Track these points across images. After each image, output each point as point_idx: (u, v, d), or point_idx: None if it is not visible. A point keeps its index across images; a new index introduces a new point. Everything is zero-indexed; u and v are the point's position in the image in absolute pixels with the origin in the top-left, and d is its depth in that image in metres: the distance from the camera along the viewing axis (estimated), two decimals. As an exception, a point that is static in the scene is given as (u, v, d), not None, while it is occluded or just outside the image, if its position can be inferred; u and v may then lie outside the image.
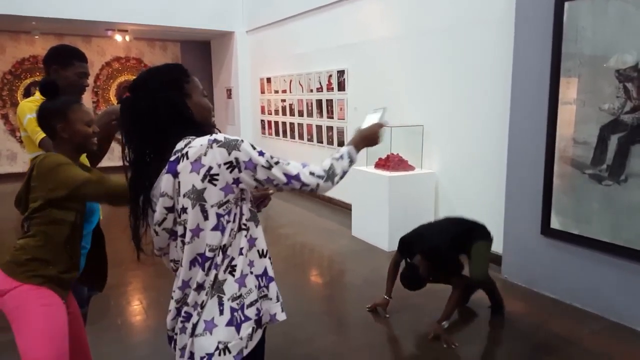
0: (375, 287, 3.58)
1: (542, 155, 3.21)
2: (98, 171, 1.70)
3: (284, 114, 7.22)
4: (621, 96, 2.76)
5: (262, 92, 7.93)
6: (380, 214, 4.32)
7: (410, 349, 2.68)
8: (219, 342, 1.13)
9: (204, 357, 1.14)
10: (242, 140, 1.16)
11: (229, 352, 1.13)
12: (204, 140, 1.13)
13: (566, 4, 2.98)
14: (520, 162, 3.41)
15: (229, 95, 8.81)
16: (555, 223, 3.18)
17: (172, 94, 1.20)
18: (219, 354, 1.13)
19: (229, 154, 1.12)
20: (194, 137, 1.16)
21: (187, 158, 1.12)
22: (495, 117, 3.72)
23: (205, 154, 1.12)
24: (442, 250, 2.77)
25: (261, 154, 1.17)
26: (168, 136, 1.18)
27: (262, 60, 7.86)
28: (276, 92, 7.42)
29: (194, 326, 1.16)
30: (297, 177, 1.21)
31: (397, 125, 4.59)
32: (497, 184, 3.65)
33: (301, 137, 6.76)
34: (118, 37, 8.44)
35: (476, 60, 3.92)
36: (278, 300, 1.27)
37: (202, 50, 9.67)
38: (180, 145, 1.15)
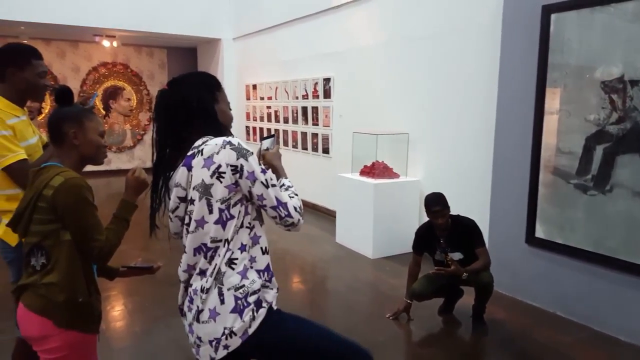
0: (359, 294, 3.53)
1: (528, 164, 3.23)
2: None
3: (269, 120, 7.17)
4: (607, 107, 2.80)
5: (248, 98, 7.88)
6: (364, 220, 4.28)
7: (393, 356, 2.61)
8: (225, 328, 1.23)
9: (213, 340, 1.25)
10: (252, 153, 1.28)
11: (235, 334, 1.23)
12: (219, 140, 1.26)
13: (553, 15, 3.03)
14: (506, 170, 3.42)
15: (213, 101, 8.70)
16: (539, 232, 3.19)
17: (204, 94, 1.33)
18: (226, 338, 1.23)
19: (237, 159, 1.24)
20: (212, 137, 1.28)
21: (202, 154, 1.25)
22: (481, 126, 3.75)
23: (217, 153, 1.24)
24: (462, 217, 2.91)
25: (263, 171, 1.28)
26: (193, 130, 1.30)
27: (248, 67, 7.83)
28: (262, 98, 7.37)
29: (198, 312, 1.26)
30: (285, 206, 1.30)
31: (383, 132, 4.59)
32: (482, 193, 3.66)
33: (286, 143, 6.71)
34: (105, 43, 8.36)
35: (462, 68, 3.96)
36: (276, 292, 1.35)
37: (189, 56, 9.64)
38: (198, 142, 1.28)
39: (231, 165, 1.23)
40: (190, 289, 1.31)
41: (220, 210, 1.24)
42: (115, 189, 7.06)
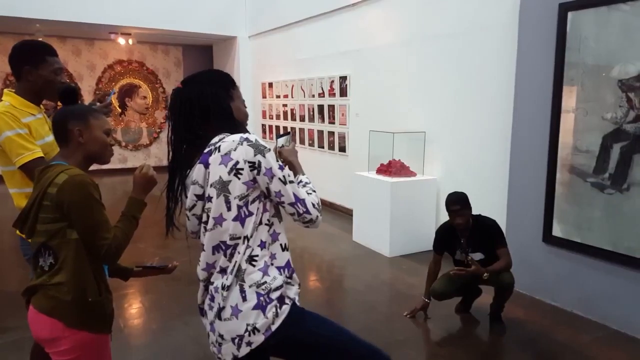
0: (377, 293, 3.58)
1: (545, 163, 3.23)
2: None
3: (285, 118, 7.24)
4: (624, 106, 2.78)
5: (264, 96, 7.95)
6: (381, 219, 4.32)
7: (412, 355, 2.67)
8: (248, 325, 1.23)
9: (235, 338, 1.24)
10: (270, 150, 1.27)
11: (258, 331, 1.23)
12: (236, 137, 1.25)
13: (569, 14, 3.00)
14: (523, 169, 3.42)
15: (230, 99, 8.79)
16: (557, 231, 3.19)
17: (219, 92, 1.33)
18: (249, 335, 1.23)
19: (255, 155, 1.23)
20: (228, 134, 1.28)
21: (219, 151, 1.25)
22: (498, 124, 3.74)
23: (235, 149, 1.24)
24: (484, 217, 2.93)
25: (281, 168, 1.28)
26: (209, 128, 1.30)
27: (264, 65, 7.88)
28: (278, 97, 7.44)
29: (220, 310, 1.26)
30: (303, 202, 1.30)
31: (400, 131, 4.61)
32: (499, 191, 3.66)
33: (302, 142, 6.77)
34: (121, 40, 8.46)
35: (479, 67, 3.95)
36: (299, 288, 1.36)
37: (204, 54, 9.70)
38: (215, 139, 1.28)
39: (249, 162, 1.23)
40: (210, 287, 1.30)
41: (239, 207, 1.24)
42: (132, 187, 7.24)
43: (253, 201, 1.26)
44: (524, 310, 3.17)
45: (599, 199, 2.93)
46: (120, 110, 9.42)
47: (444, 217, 4.35)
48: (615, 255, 2.85)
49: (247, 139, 1.25)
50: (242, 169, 1.23)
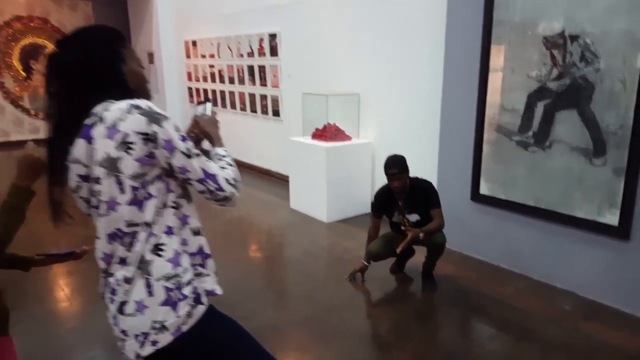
0: (315, 259, 3.56)
1: (473, 123, 3.27)
2: None
3: (213, 80, 6.79)
4: (548, 63, 2.83)
5: (188, 56, 7.37)
6: (317, 185, 4.25)
7: (350, 318, 2.68)
8: (154, 322, 1.09)
9: (139, 335, 1.10)
10: (168, 118, 1.08)
11: (166, 329, 1.10)
12: (123, 104, 1.06)
13: (498, -31, 2.96)
14: (452, 130, 3.46)
15: (151, 60, 8.09)
16: (484, 189, 3.30)
17: (105, 54, 1.13)
18: (155, 333, 1.10)
19: (148, 125, 1.05)
20: (114, 100, 1.08)
21: (103, 122, 1.05)
22: (429, 85, 3.72)
23: (123, 119, 1.04)
24: (420, 179, 2.94)
25: (184, 139, 1.10)
26: (93, 97, 1.10)
27: (187, 21, 7.26)
28: (203, 56, 6.92)
29: (122, 305, 1.11)
30: (214, 178, 1.12)
31: (333, 93, 4.47)
32: (431, 152, 3.70)
33: (233, 106, 6.42)
34: (16, -7, 7.37)
35: (410, 26, 3.86)
36: (215, 276, 1.23)
37: (118, 10, 8.77)
38: (98, 108, 1.08)
39: (141, 133, 1.04)
40: (110, 279, 1.14)
41: (134, 189, 1.06)
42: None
43: (153, 181, 1.09)
44: (454, 267, 3.30)
45: (523, 156, 3.03)
46: (24, 74, 8.33)
47: (381, 180, 4.37)
48: (537, 210, 3.00)
49: (137, 106, 1.06)
50: (134, 143, 1.04)
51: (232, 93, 6.40)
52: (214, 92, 6.81)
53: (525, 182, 3.05)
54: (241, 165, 6.47)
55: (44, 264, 1.55)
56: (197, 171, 1.10)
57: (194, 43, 7.09)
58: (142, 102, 1.08)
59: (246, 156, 6.30)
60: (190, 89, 7.55)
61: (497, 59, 3.09)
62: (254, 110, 6.05)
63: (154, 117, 1.06)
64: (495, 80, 3.13)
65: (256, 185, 5.55)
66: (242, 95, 6.21)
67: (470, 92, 3.25)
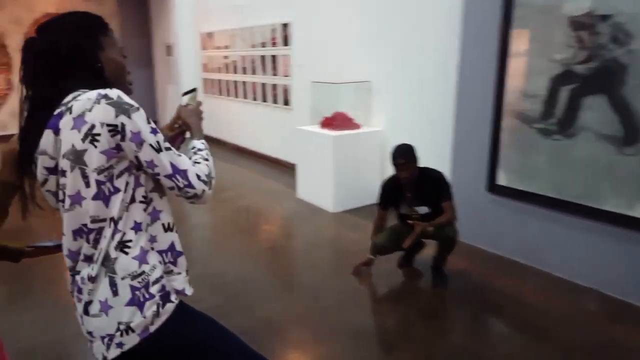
0: (321, 250, 3.42)
1: (490, 110, 3.07)
2: None
3: (227, 71, 6.73)
4: (573, 45, 2.62)
5: (204, 48, 7.35)
6: (324, 175, 4.11)
7: (353, 315, 2.52)
8: (119, 323, 1.04)
9: (105, 337, 1.05)
10: (138, 109, 1.03)
11: (132, 331, 1.04)
12: (92, 94, 1.01)
13: (521, -56, 2.76)
14: (468, 116, 3.26)
15: (169, 53, 8.13)
16: (501, 179, 3.10)
17: (82, 40, 1.08)
18: (121, 335, 1.04)
19: (116, 116, 0.99)
20: (86, 90, 1.03)
21: (71, 113, 1.00)
22: (444, 71, 3.53)
23: (90, 110, 0.99)
24: (430, 169, 2.75)
25: (154, 132, 1.04)
26: (65, 85, 1.05)
27: (204, 13, 7.23)
28: (218, 48, 6.87)
29: (87, 305, 1.07)
30: (184, 174, 1.07)
31: (344, 81, 4.32)
32: (444, 141, 3.51)
33: (245, 95, 6.34)
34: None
35: (423, 11, 3.69)
36: (187, 275, 1.16)
37: (140, 4, 8.94)
38: (68, 98, 1.03)
39: (108, 125, 0.98)
40: (77, 277, 1.09)
41: (99, 183, 1.01)
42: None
43: (120, 175, 1.03)
44: (467, 261, 3.10)
45: (545, 145, 2.82)
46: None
47: (389, 169, 4.21)
48: (559, 202, 2.78)
49: (105, 96, 1.00)
50: (99, 135, 0.98)
51: (244, 83, 6.33)
52: (227, 82, 6.75)
53: (547, 173, 2.83)
54: (251, 154, 6.40)
55: (34, 256, 1.51)
56: (165, 166, 1.05)
57: (210, 35, 7.05)
58: (112, 92, 1.01)
59: (256, 145, 6.23)
60: (205, 80, 7.53)
61: (517, 42, 2.89)
62: (265, 100, 5.96)
63: (123, 108, 1.00)
64: (514, 64, 2.93)
65: (265, 173, 5.45)
66: (254, 85, 6.13)
67: (488, 78, 3.05)
